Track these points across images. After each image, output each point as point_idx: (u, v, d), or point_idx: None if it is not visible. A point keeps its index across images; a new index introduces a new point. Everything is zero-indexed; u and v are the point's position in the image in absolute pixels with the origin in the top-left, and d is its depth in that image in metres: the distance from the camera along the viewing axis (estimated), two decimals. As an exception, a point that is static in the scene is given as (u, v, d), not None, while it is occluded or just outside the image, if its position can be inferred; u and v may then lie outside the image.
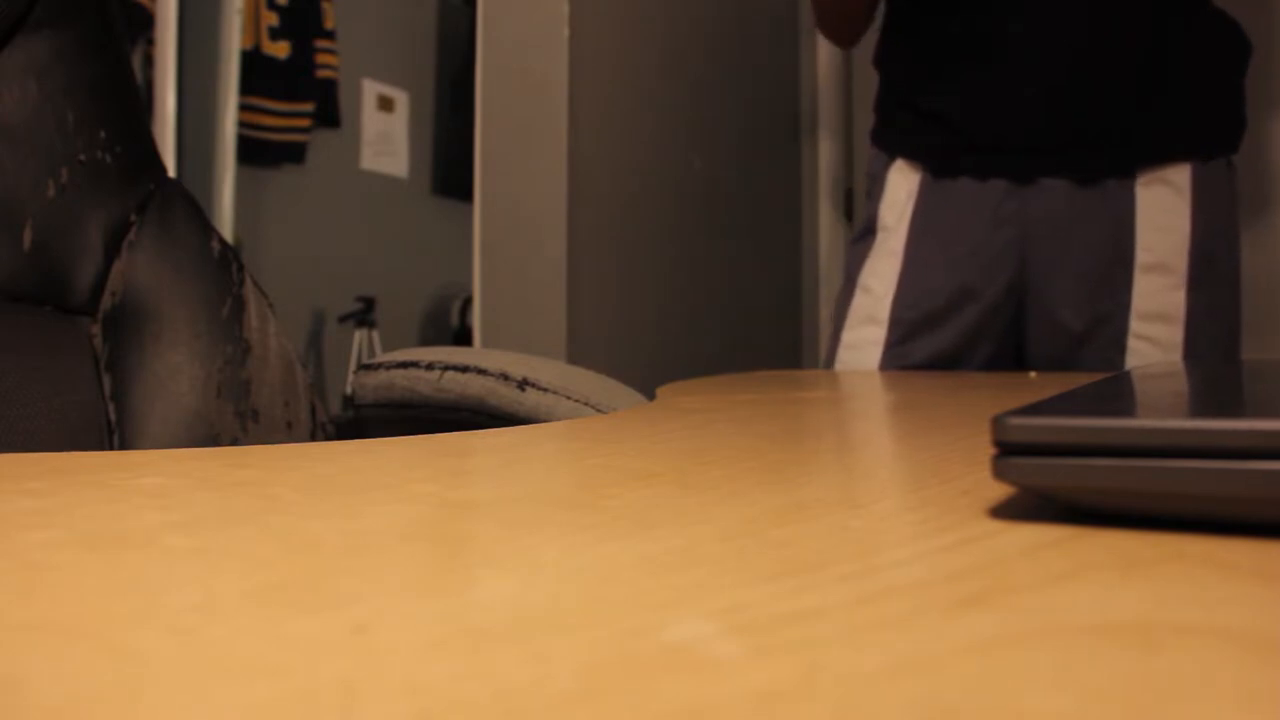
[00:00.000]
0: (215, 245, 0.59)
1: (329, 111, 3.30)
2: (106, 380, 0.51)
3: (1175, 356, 0.89)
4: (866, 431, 0.36)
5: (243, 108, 2.87)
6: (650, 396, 0.60)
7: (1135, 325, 0.90)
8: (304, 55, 3.18)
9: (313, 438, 0.61)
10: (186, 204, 0.60)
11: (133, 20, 2.43)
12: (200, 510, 0.20)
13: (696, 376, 0.75)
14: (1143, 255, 0.90)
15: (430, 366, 0.71)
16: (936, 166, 0.99)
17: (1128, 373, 0.34)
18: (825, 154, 1.83)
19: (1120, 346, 0.91)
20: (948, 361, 0.96)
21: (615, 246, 1.44)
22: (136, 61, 2.48)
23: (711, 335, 1.69)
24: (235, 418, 0.55)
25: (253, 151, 2.99)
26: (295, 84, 3.15)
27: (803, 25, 1.87)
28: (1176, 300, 0.89)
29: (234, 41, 2.79)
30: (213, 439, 0.53)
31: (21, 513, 0.19)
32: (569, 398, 0.66)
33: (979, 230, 0.96)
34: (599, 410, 0.66)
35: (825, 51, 1.81)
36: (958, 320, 0.96)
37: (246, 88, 2.90)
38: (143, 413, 0.51)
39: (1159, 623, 0.12)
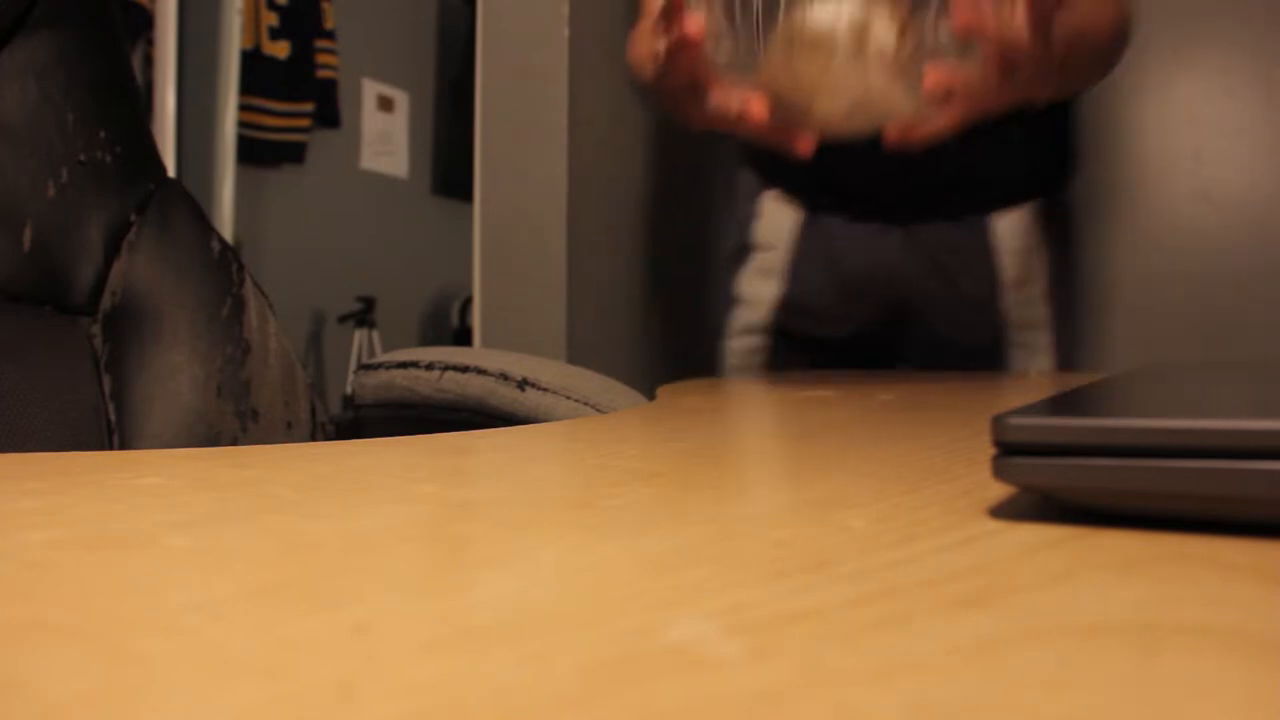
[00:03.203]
0: (215, 245, 0.59)
1: (329, 111, 3.30)
2: (106, 380, 0.51)
3: (1046, 361, 1.00)
4: (866, 431, 0.36)
5: (243, 108, 2.87)
6: (650, 396, 0.60)
7: (1012, 335, 0.99)
8: (304, 55, 3.18)
9: (313, 438, 0.61)
10: (186, 204, 0.60)
11: (133, 20, 2.43)
12: (200, 510, 0.20)
13: (696, 376, 0.75)
14: (1011, 273, 1.00)
15: (430, 366, 0.71)
16: (811, 206, 1.04)
17: (1127, 373, 0.34)
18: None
19: (1001, 356, 1.00)
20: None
21: (615, 246, 1.44)
22: (136, 61, 2.48)
23: (711, 335, 1.68)
24: (235, 418, 0.55)
25: (253, 151, 2.99)
26: (295, 84, 3.15)
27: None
28: (1043, 311, 1.00)
29: (234, 41, 2.78)
30: (213, 439, 0.53)
31: (21, 513, 0.19)
32: (569, 398, 0.66)
33: (857, 263, 1.02)
34: (599, 410, 0.66)
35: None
36: (838, 338, 1.03)
37: (246, 88, 2.90)
38: (143, 413, 0.51)
39: (1159, 623, 0.12)
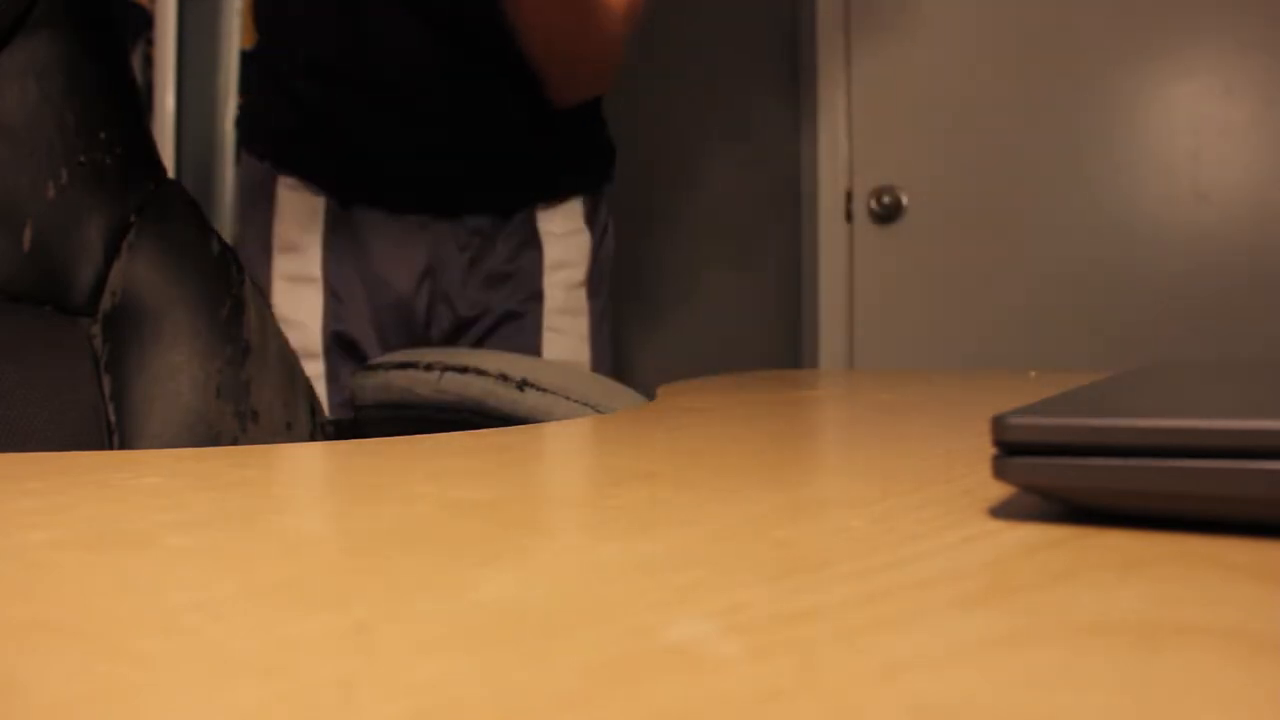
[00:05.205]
0: (215, 245, 0.59)
1: (329, 112, 3.29)
2: (106, 380, 0.51)
3: (585, 348, 1.00)
4: (866, 431, 0.36)
5: (243, 108, 2.87)
6: (650, 396, 0.60)
7: (549, 319, 0.98)
8: (304, 55, 3.17)
9: (312, 438, 0.61)
10: (186, 204, 0.60)
11: (133, 20, 2.43)
12: (200, 510, 0.20)
13: (696, 376, 0.75)
14: (550, 255, 0.99)
15: (429, 367, 0.71)
16: (344, 199, 0.93)
17: (1127, 373, 0.34)
18: (825, 152, 1.83)
19: (536, 342, 0.98)
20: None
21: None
22: (136, 61, 2.48)
23: (711, 335, 1.69)
24: (235, 418, 0.55)
25: (253, 152, 2.99)
26: (295, 84, 3.14)
27: (802, 23, 1.87)
28: (581, 297, 1.00)
29: (234, 41, 2.78)
30: (213, 439, 0.53)
31: (22, 513, 0.19)
32: (569, 398, 0.66)
33: (394, 255, 0.94)
34: (599, 410, 0.66)
35: (825, 49, 1.82)
36: (390, 347, 0.94)
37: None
38: (143, 413, 0.51)
39: (1159, 623, 0.12)
